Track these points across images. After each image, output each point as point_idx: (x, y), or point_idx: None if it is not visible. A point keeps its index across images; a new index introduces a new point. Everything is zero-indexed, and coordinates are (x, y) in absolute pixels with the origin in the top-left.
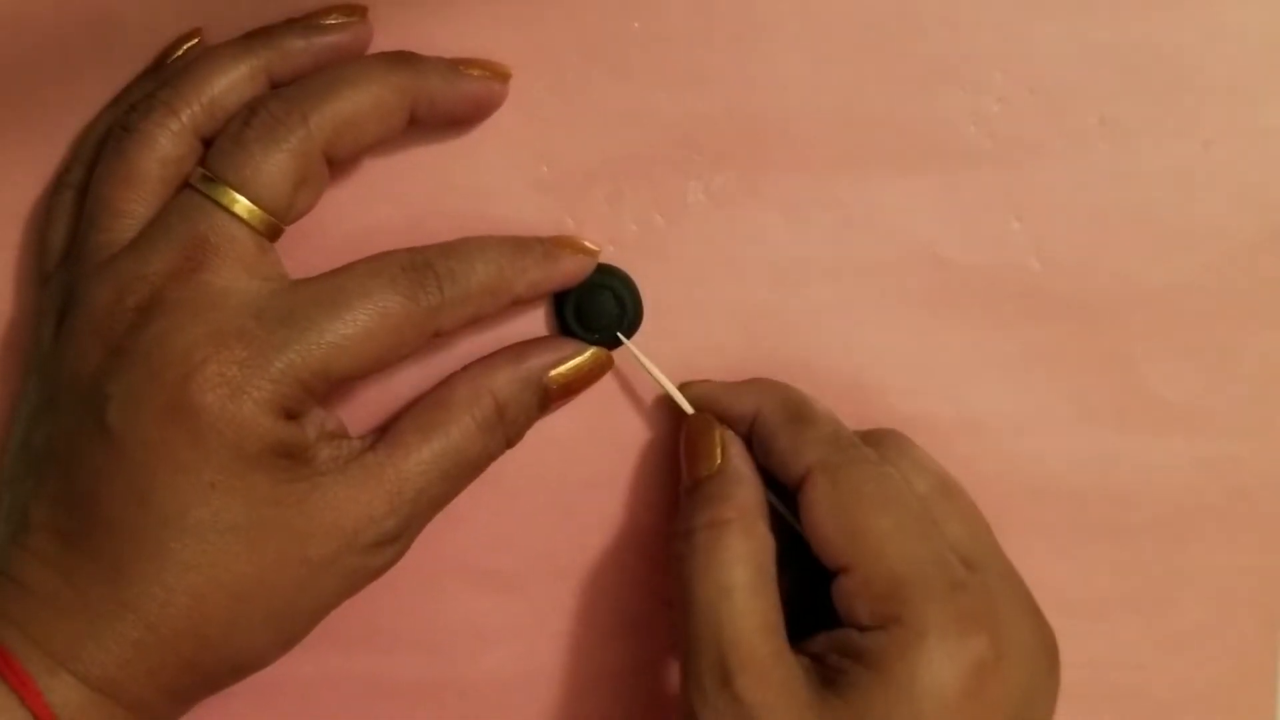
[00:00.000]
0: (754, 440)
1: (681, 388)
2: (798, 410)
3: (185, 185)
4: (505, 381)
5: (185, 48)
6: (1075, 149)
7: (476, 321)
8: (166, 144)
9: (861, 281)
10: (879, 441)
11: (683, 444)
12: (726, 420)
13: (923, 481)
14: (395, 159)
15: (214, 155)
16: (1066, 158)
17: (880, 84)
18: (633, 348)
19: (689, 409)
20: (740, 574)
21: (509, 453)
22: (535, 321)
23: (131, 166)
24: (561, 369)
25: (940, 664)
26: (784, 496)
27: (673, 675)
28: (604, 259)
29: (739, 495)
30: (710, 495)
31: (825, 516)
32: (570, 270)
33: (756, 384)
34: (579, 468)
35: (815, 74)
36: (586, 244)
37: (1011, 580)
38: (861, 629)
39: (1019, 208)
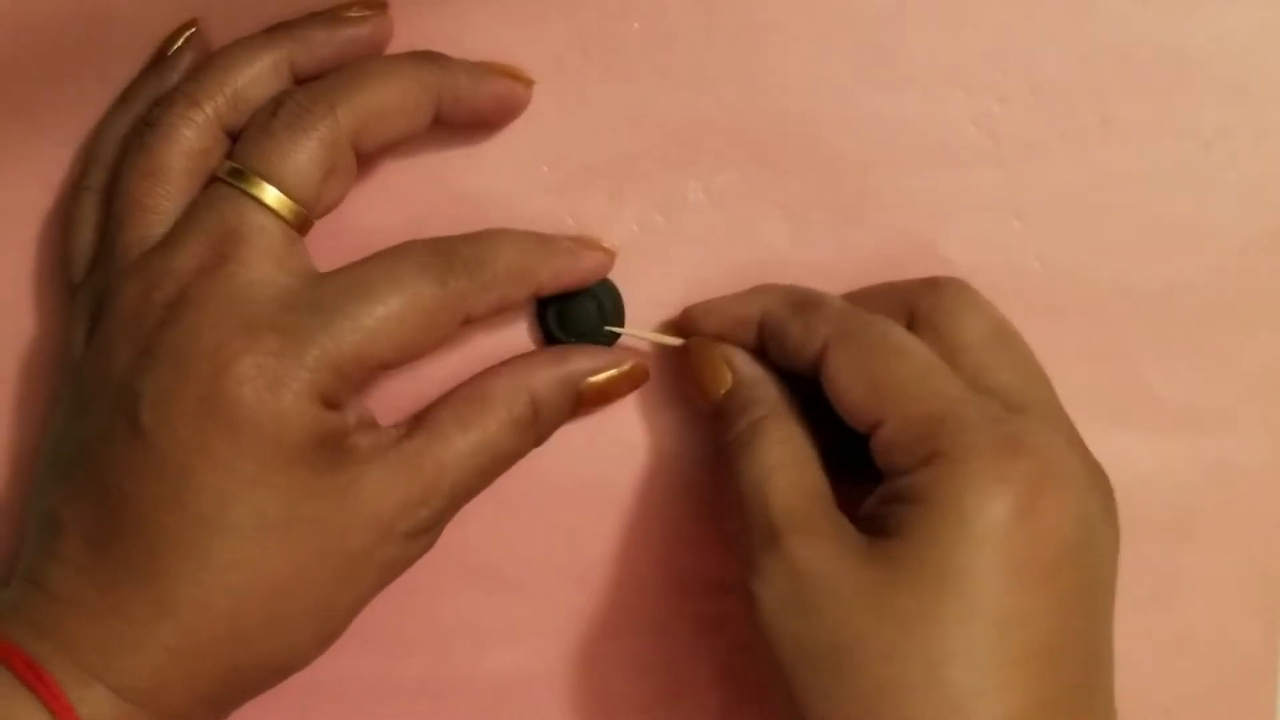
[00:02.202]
0: (766, 337)
1: (682, 312)
2: (803, 299)
3: (214, 178)
4: (545, 382)
5: (184, 37)
6: (1075, 149)
7: (504, 308)
8: (191, 136)
9: (862, 282)
10: (937, 287)
11: (690, 371)
12: (735, 325)
13: (977, 327)
14: (395, 160)
15: (242, 146)
16: (1066, 158)
17: (880, 84)
18: (621, 331)
19: (678, 342)
20: (783, 453)
21: None
22: (518, 328)
23: (156, 160)
24: (600, 377)
25: (986, 485)
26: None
27: (676, 674)
28: None
29: (763, 394)
30: (738, 406)
31: (848, 380)
32: (591, 266)
33: (758, 288)
34: (579, 468)
35: (815, 74)
36: (605, 245)
37: (1061, 424)
38: (905, 475)
39: (1019, 208)
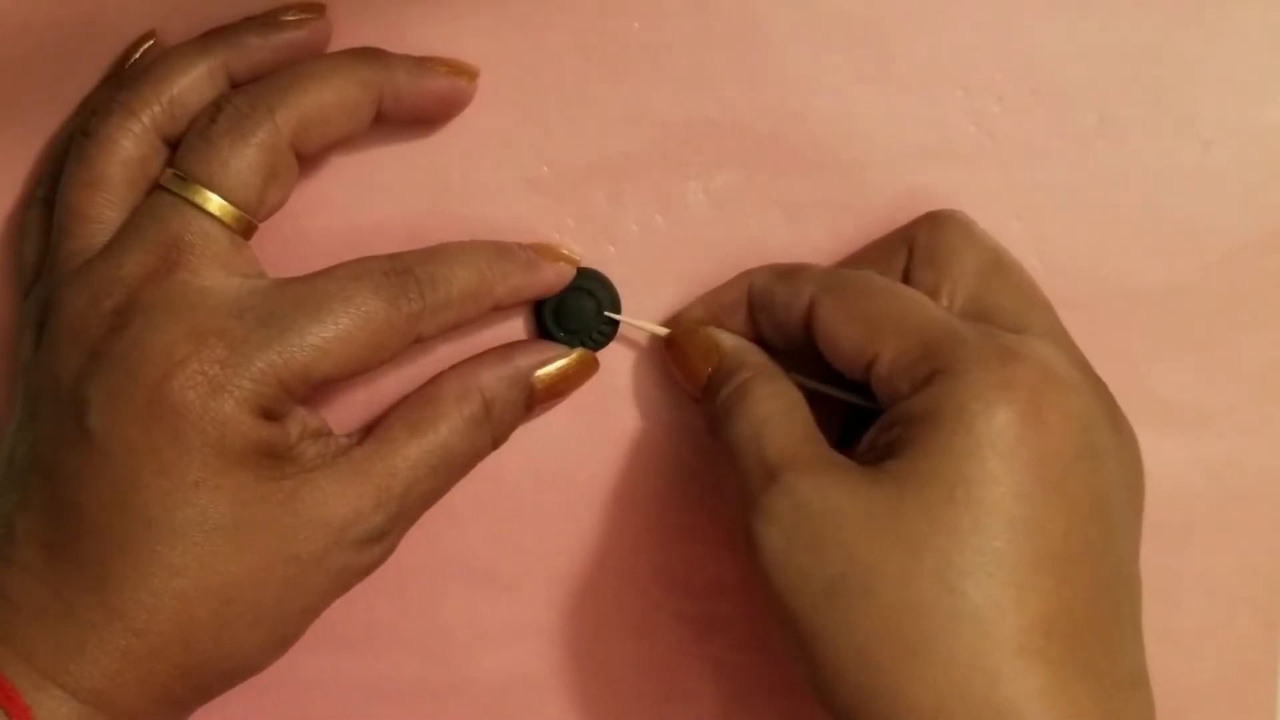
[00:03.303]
0: (755, 309)
1: (672, 318)
2: (786, 267)
3: (156, 186)
4: (493, 380)
5: (142, 50)
6: (1075, 149)
7: (458, 327)
8: (129, 146)
9: None
10: (934, 220)
11: (677, 358)
12: (723, 311)
13: (974, 255)
14: (395, 159)
15: (182, 154)
16: (1066, 158)
17: (880, 84)
18: (619, 319)
19: (665, 331)
20: (774, 406)
21: (508, 453)
22: (514, 324)
23: (94, 171)
24: (548, 369)
25: (988, 393)
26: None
27: (674, 675)
28: (604, 259)
29: (749, 359)
30: (724, 374)
31: (840, 323)
32: (550, 278)
33: (742, 273)
34: (578, 468)
35: (815, 74)
36: (566, 252)
37: (1062, 342)
38: (905, 399)
39: (1019, 208)
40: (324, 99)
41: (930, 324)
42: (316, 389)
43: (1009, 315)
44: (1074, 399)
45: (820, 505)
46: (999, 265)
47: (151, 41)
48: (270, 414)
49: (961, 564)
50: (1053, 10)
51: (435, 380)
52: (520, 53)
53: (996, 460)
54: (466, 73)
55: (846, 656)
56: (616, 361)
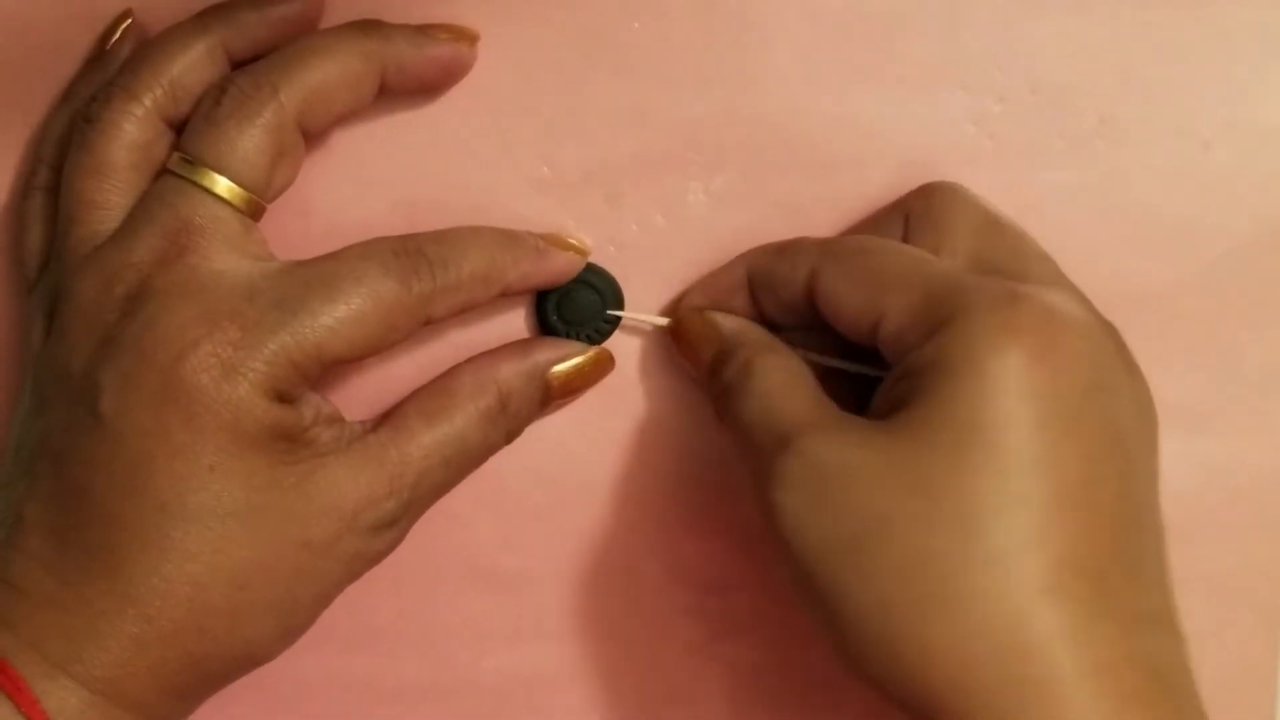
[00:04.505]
0: (756, 288)
1: (673, 302)
2: (782, 243)
3: (163, 170)
4: (510, 374)
5: (121, 29)
6: (1075, 149)
7: (467, 309)
8: (132, 130)
9: None
10: (928, 190)
11: (680, 346)
12: (725, 293)
13: (971, 216)
14: (395, 158)
15: (188, 137)
16: (1066, 158)
17: (880, 84)
18: (622, 315)
19: (666, 322)
20: (777, 377)
21: (510, 453)
22: (516, 318)
23: (99, 157)
24: (564, 366)
25: (996, 336)
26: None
27: (680, 674)
28: (604, 259)
29: (748, 337)
30: (725, 354)
31: (844, 288)
32: (561, 266)
33: (740, 255)
34: (580, 468)
35: (815, 74)
36: (576, 243)
37: (1066, 287)
38: (913, 351)
39: (1019, 208)
40: (327, 74)
41: (933, 276)
42: (329, 370)
43: (1011, 271)
44: (1081, 337)
45: (835, 462)
46: (996, 224)
47: (130, 21)
48: (284, 396)
49: (980, 505)
50: (1053, 10)
51: (452, 372)
52: (521, 53)
53: (1008, 401)
54: (467, 37)
55: (867, 608)
56: (619, 358)
